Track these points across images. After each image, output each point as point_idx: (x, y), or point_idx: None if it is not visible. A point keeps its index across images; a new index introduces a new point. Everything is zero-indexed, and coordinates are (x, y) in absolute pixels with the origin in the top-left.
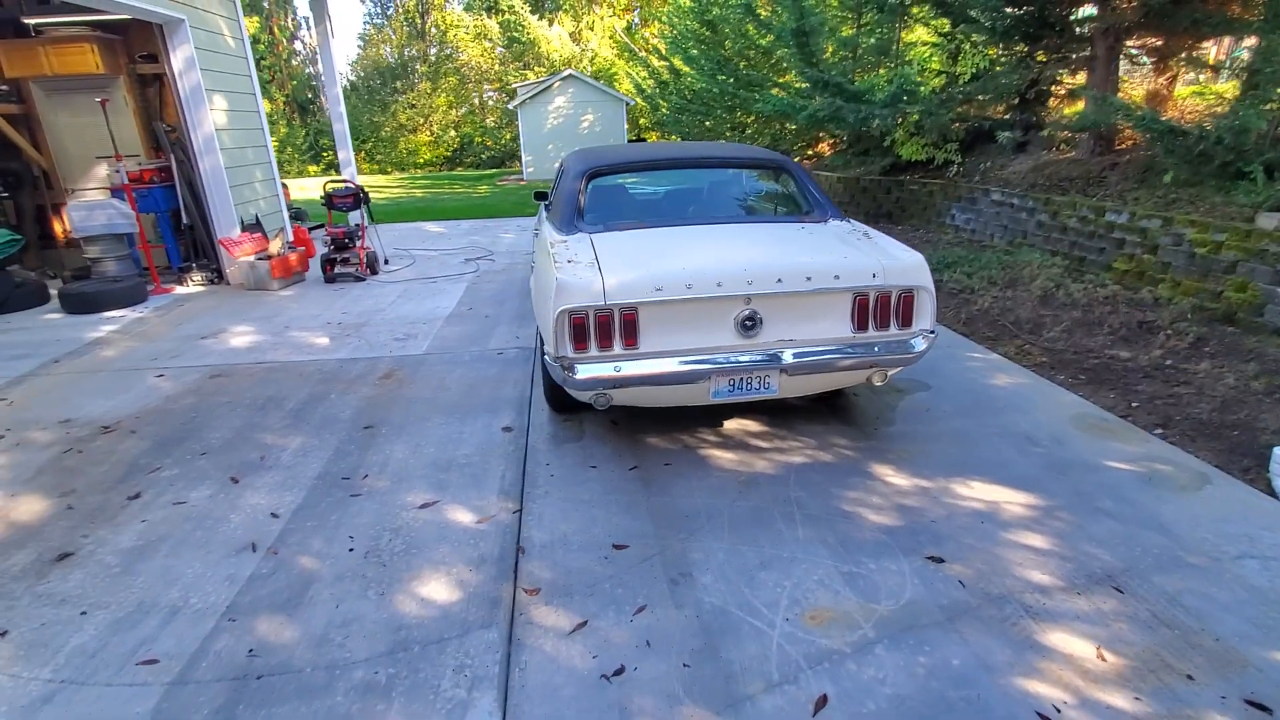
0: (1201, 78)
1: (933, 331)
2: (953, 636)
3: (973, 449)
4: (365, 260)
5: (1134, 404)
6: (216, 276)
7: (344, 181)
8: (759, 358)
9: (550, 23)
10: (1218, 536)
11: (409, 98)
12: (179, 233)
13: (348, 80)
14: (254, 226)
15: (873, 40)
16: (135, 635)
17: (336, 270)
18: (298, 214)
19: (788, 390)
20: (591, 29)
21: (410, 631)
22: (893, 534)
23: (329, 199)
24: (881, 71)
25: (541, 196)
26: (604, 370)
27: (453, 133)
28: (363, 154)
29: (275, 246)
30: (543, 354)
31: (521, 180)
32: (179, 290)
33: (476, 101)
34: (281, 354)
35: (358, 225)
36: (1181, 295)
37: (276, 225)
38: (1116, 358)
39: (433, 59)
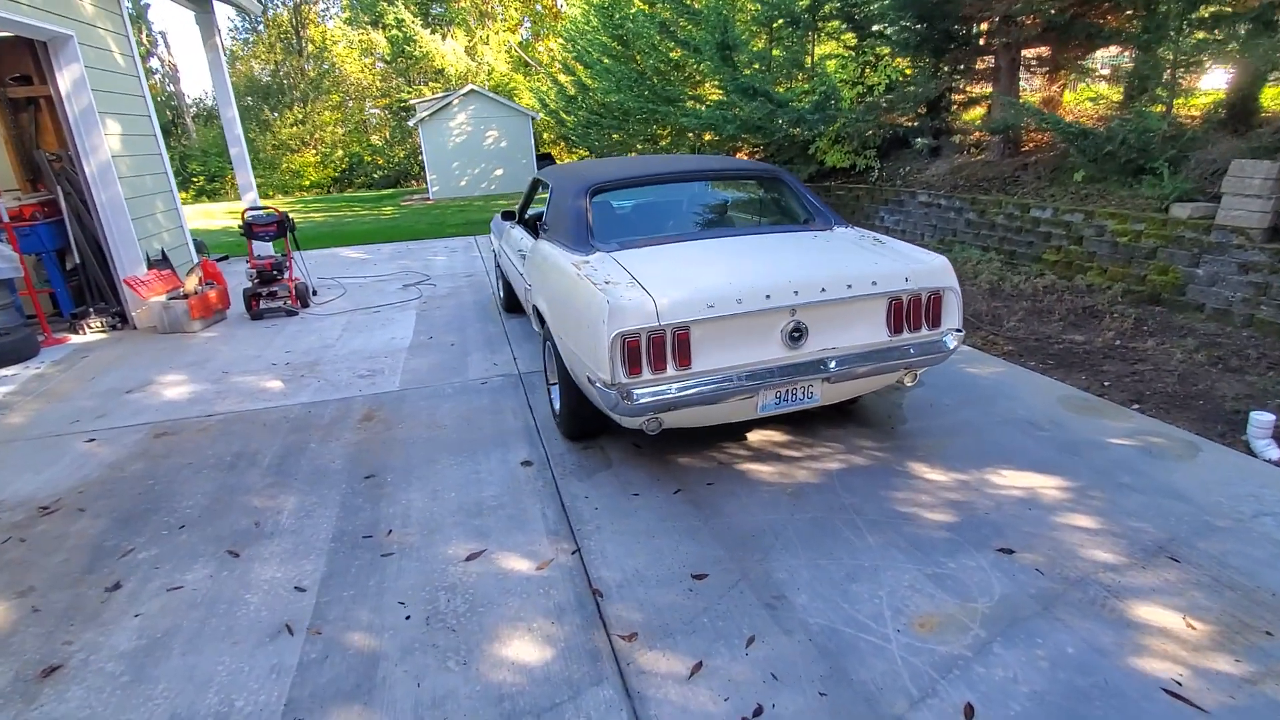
0: (1084, 84)
1: (960, 329)
2: (1056, 625)
3: (987, 438)
4: (295, 292)
5: (1106, 383)
6: (120, 321)
7: (265, 208)
8: (807, 368)
9: (444, 37)
10: (1230, 499)
11: (294, 114)
12: (67, 274)
13: (214, 99)
14: (161, 262)
15: (783, 53)
16: None
17: (263, 305)
18: (198, 246)
19: (829, 398)
20: (486, 43)
21: (515, 701)
22: (956, 530)
23: (248, 228)
24: (798, 82)
25: (509, 216)
26: (659, 393)
27: (340, 152)
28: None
29: (191, 283)
30: (549, 381)
31: (428, 199)
32: (75, 339)
33: (360, 119)
34: (232, 403)
35: (284, 255)
36: (1110, 281)
37: (184, 259)
38: (1074, 342)
39: (312, 75)
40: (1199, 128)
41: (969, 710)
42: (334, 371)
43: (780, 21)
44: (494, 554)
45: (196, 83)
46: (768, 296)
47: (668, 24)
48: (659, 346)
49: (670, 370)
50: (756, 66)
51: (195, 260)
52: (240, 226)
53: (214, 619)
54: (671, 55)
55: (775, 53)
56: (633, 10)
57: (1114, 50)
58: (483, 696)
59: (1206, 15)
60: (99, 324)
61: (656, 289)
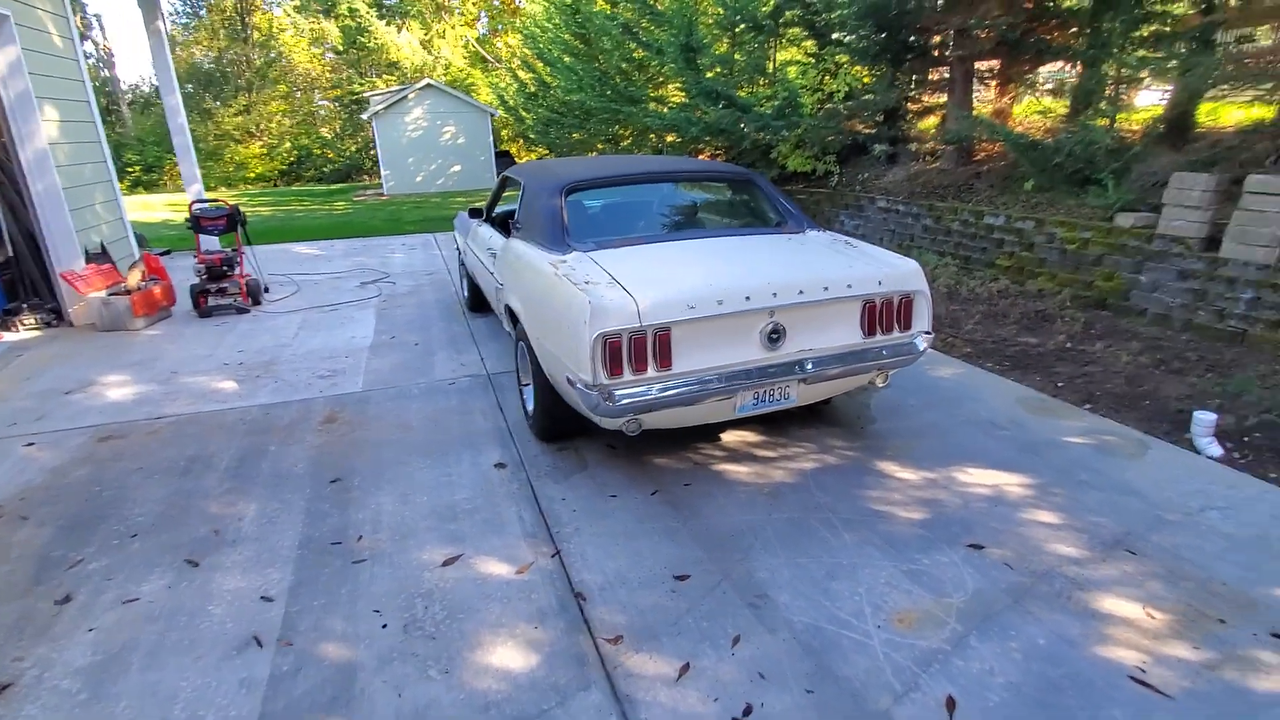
0: (1032, 97)
1: (929, 331)
2: (1027, 618)
3: (951, 438)
4: (246, 289)
5: (1059, 384)
6: (55, 318)
7: (213, 200)
8: (784, 369)
9: (399, 29)
10: (1179, 495)
11: (239, 103)
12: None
13: (152, 85)
14: (100, 256)
15: (745, 58)
16: None
17: (212, 302)
18: (139, 239)
19: (804, 398)
20: (442, 37)
21: (501, 709)
22: (927, 527)
23: (196, 221)
24: (760, 87)
25: (477, 213)
26: (641, 394)
27: (288, 144)
28: (179, 168)
29: (134, 279)
30: (521, 382)
31: (382, 195)
32: (8, 337)
33: (309, 111)
34: (183, 405)
35: (234, 250)
36: (1059, 286)
37: (125, 253)
38: (1028, 344)
39: (258, 64)
40: (1139, 141)
41: (950, 703)
42: (292, 371)
43: (742, 26)
44: (471, 558)
45: (132, 68)
46: (747, 298)
47: (630, 25)
48: (640, 347)
49: (651, 371)
50: (718, 70)
51: (137, 254)
52: (187, 220)
53: (174, 632)
54: (634, 55)
55: (737, 57)
56: (596, 9)
57: (1057, 65)
58: (467, 705)
59: (1147, 34)
60: (33, 320)
61: (637, 289)
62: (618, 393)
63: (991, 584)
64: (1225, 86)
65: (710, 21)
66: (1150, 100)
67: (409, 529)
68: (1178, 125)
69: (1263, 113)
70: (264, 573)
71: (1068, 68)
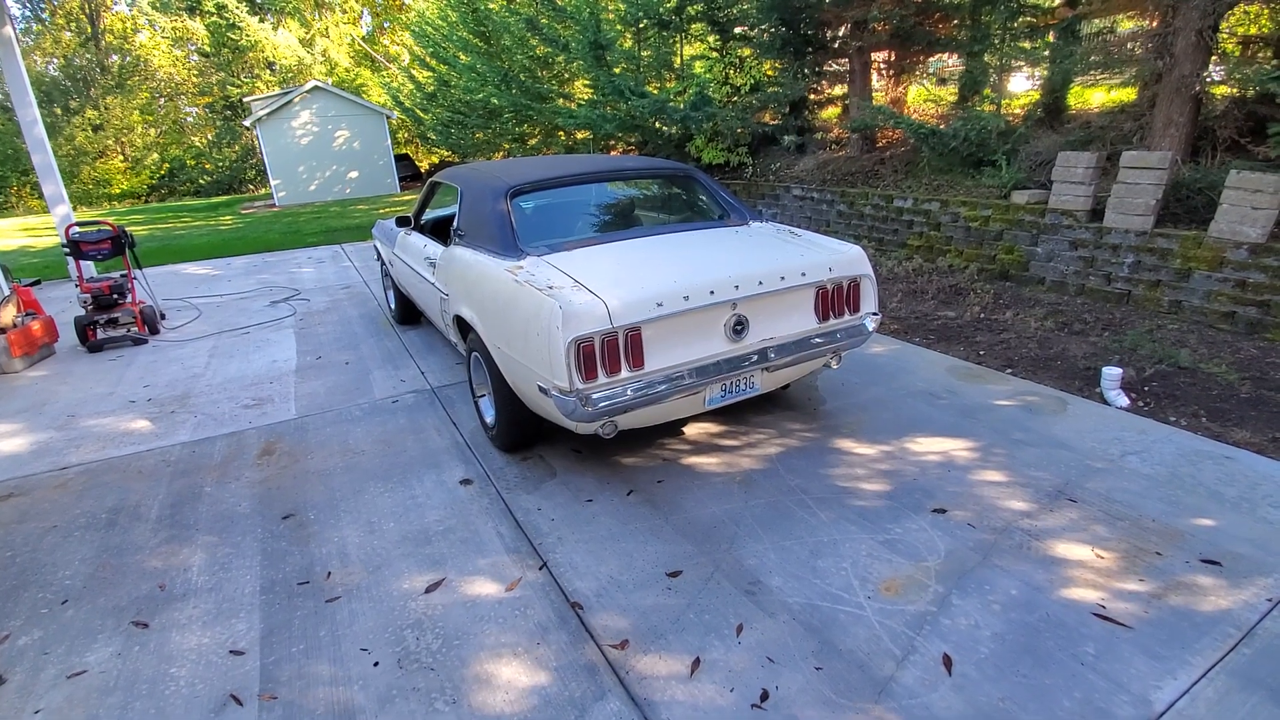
0: (921, 86)
1: (876, 312)
2: (997, 571)
3: (897, 410)
4: (142, 317)
5: (981, 352)
6: None
7: (95, 223)
8: (750, 358)
9: (275, 27)
10: (1101, 443)
11: (90, 116)
12: None
13: None
14: None
15: (652, 54)
16: None
17: (102, 334)
18: (4, 271)
19: (767, 386)
20: (325, 35)
21: None
22: (893, 497)
23: (75, 246)
24: (669, 83)
25: (404, 222)
26: (616, 395)
27: (156, 156)
28: (28, 188)
29: (8, 315)
30: (475, 394)
31: (274, 206)
32: None
33: (175, 120)
34: (90, 451)
35: (123, 275)
36: (966, 261)
37: None
38: (948, 318)
39: (115, 70)
40: (1022, 124)
41: (947, 660)
42: (211, 404)
43: (645, 22)
44: (455, 582)
45: None
46: (711, 292)
47: (534, 20)
48: (612, 349)
49: (625, 372)
50: (625, 66)
51: (6, 289)
52: (64, 245)
53: (137, 702)
54: (537, 52)
55: (644, 54)
56: (496, 6)
57: (940, 56)
58: None
59: (1021, 26)
60: None
61: (604, 291)
62: (594, 396)
63: (960, 544)
64: (1092, 73)
65: (613, 17)
66: (1023, 87)
67: (382, 559)
68: (1053, 108)
69: (1124, 95)
70: (228, 624)
71: (948, 58)
